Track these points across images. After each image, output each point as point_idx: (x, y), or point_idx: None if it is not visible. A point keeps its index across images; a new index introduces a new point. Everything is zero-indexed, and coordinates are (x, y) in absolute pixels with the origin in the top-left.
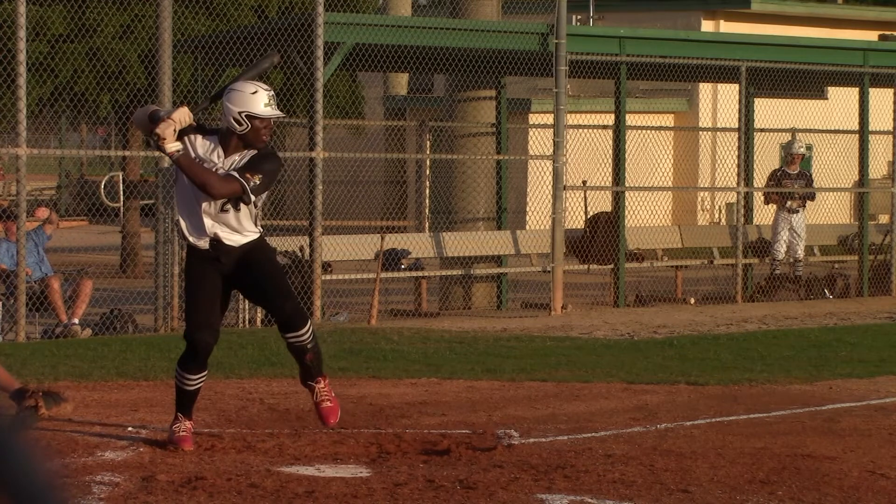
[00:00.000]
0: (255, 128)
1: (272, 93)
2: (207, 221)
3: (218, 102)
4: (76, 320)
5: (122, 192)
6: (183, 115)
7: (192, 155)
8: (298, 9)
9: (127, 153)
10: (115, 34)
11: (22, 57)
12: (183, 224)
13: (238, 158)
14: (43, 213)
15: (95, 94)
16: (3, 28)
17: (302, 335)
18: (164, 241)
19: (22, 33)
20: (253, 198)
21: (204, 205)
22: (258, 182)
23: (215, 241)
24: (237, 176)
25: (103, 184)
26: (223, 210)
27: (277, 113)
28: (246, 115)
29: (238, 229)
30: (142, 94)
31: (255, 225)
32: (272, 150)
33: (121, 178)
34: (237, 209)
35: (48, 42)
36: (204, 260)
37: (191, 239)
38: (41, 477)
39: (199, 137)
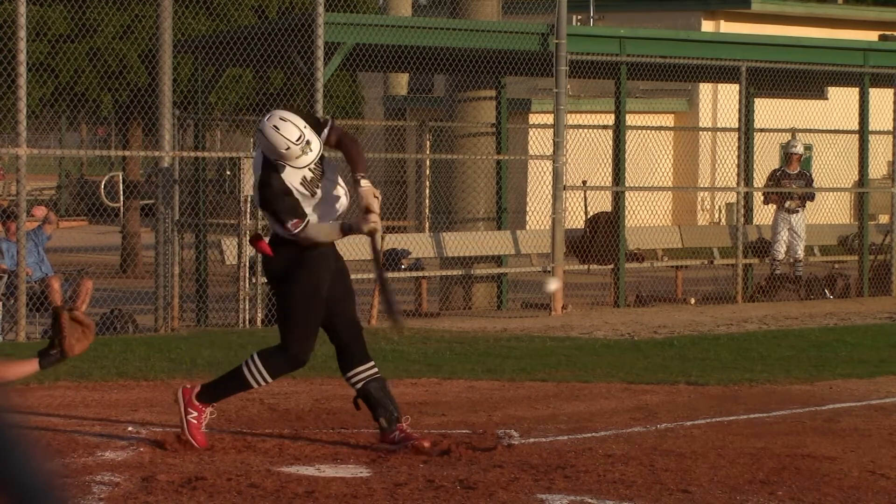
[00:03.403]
0: None
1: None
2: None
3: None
4: None
5: (122, 192)
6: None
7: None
8: (298, 9)
9: (127, 153)
10: (116, 34)
11: (22, 57)
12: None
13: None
14: (40, 211)
15: (96, 93)
16: (4, 28)
17: (373, 367)
18: (164, 241)
19: (22, 33)
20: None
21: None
22: None
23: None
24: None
25: (103, 184)
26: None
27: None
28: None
29: None
30: (143, 93)
31: None
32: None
33: (121, 178)
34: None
35: (49, 42)
36: (324, 267)
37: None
38: (41, 476)
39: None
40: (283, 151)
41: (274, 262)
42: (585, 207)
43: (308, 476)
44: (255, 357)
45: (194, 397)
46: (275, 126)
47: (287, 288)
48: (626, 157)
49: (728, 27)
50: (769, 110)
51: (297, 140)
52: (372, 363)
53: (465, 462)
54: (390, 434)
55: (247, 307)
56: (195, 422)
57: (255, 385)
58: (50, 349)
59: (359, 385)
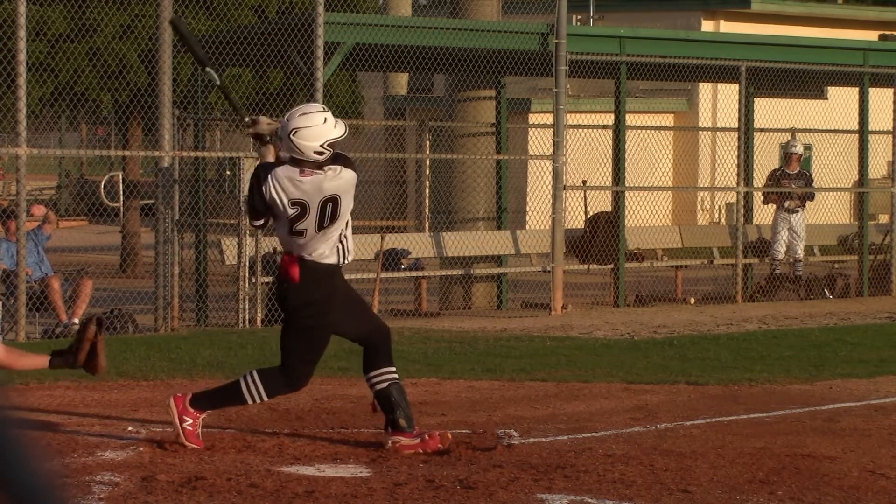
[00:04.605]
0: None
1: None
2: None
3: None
4: (76, 320)
5: (122, 192)
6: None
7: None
8: (298, 9)
9: (127, 153)
10: (116, 34)
11: (22, 57)
12: (351, 242)
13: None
14: (39, 210)
15: (96, 93)
16: (4, 28)
17: (395, 372)
18: (164, 241)
19: (22, 33)
20: None
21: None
22: None
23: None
24: None
25: (103, 184)
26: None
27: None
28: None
29: None
30: (142, 93)
31: None
32: None
33: (121, 178)
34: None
35: (48, 42)
36: (335, 296)
37: (350, 257)
38: (41, 476)
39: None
40: (323, 125)
41: (295, 292)
42: (585, 207)
43: (308, 476)
44: (255, 375)
45: (188, 404)
46: (301, 114)
47: (303, 320)
48: (626, 157)
49: (728, 27)
50: (769, 110)
51: (324, 109)
52: (394, 368)
53: (465, 462)
54: (408, 432)
55: (247, 307)
56: (191, 429)
57: (249, 401)
58: (67, 352)
59: (380, 387)
